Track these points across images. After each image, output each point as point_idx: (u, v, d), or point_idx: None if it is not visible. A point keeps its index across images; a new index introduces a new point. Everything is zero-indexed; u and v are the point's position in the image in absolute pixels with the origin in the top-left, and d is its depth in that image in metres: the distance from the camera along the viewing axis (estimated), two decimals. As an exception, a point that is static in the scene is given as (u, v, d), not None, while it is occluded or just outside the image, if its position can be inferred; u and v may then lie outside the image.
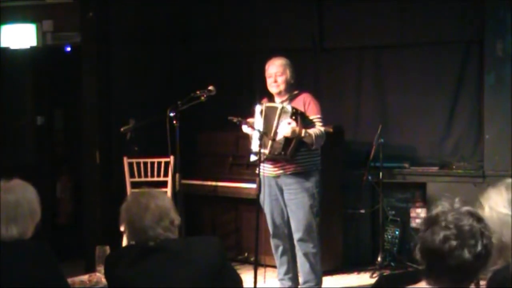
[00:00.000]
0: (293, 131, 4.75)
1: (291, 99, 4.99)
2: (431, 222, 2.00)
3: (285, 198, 4.99)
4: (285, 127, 4.77)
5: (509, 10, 5.72)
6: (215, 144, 6.39)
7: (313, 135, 4.81)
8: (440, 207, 2.02)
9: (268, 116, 4.92)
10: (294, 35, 6.68)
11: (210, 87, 4.89)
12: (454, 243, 1.93)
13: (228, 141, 6.26)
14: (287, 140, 4.79)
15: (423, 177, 6.09)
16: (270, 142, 4.82)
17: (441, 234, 1.95)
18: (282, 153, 4.81)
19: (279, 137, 4.82)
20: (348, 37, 6.54)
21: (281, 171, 4.94)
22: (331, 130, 5.51)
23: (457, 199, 2.03)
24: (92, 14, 6.15)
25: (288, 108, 4.82)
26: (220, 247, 2.67)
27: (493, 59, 5.86)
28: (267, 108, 4.95)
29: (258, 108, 5.01)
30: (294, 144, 4.80)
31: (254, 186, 4.94)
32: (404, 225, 6.09)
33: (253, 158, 4.97)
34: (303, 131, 4.78)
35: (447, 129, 6.26)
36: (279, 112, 4.84)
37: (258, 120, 4.97)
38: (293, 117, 4.77)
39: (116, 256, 2.73)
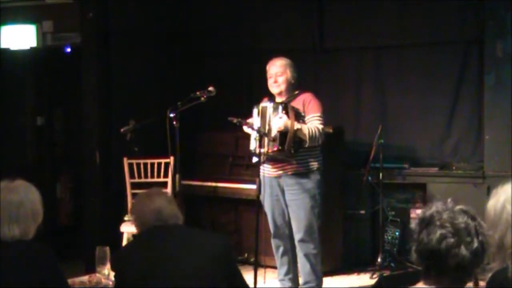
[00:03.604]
0: (285, 124, 4.75)
1: (292, 99, 4.99)
2: (426, 222, 2.01)
3: (286, 199, 4.98)
4: (277, 121, 4.79)
5: (509, 10, 5.71)
6: (215, 145, 6.38)
7: (306, 129, 4.81)
8: (433, 208, 2.04)
9: (264, 116, 4.94)
10: (294, 35, 6.67)
11: (210, 88, 4.88)
12: (451, 240, 1.95)
13: (228, 141, 6.25)
14: (281, 135, 4.79)
15: (423, 178, 6.09)
16: (266, 140, 4.83)
17: (438, 233, 1.97)
18: (280, 148, 4.81)
19: (274, 133, 4.82)
20: (348, 37, 6.53)
21: (281, 172, 4.94)
22: (331, 130, 5.50)
23: (449, 199, 2.05)
24: (92, 14, 6.15)
25: (279, 104, 4.86)
26: (227, 240, 2.91)
27: (493, 59, 5.85)
28: (262, 108, 4.97)
29: (255, 110, 5.02)
30: (289, 138, 4.78)
31: (254, 186, 4.93)
32: (404, 226, 6.08)
33: (255, 159, 4.96)
34: (295, 123, 4.78)
35: (447, 129, 6.25)
36: (271, 110, 4.87)
37: (256, 121, 4.98)
38: (284, 111, 4.79)
39: (125, 250, 2.96)
